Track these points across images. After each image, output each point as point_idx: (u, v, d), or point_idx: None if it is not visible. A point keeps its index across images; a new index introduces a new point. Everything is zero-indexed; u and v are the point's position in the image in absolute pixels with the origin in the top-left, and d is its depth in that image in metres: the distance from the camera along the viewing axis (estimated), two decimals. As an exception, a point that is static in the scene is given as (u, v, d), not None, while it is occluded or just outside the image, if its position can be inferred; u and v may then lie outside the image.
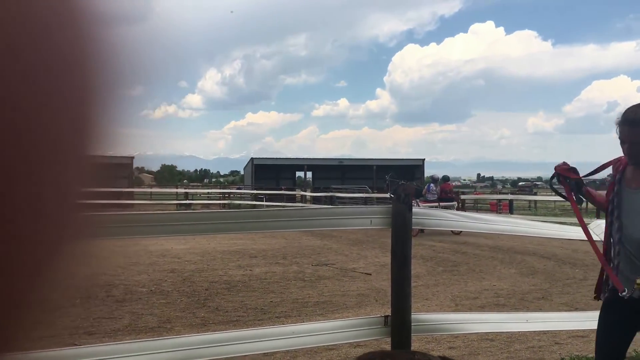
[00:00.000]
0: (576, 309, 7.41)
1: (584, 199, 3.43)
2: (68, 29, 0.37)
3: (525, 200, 34.23)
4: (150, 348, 3.35)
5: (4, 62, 0.33)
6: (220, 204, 36.47)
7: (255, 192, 36.66)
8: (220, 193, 43.88)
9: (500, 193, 45.80)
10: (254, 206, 29.69)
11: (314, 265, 11.64)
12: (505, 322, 3.83)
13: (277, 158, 58.10)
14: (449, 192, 19.39)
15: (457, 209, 18.19)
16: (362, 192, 34.86)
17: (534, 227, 4.96)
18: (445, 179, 19.84)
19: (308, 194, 35.78)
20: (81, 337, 6.20)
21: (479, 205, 33.21)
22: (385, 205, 4.13)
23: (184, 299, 8.29)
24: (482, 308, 7.68)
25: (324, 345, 5.07)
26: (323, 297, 8.47)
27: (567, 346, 5.90)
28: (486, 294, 8.73)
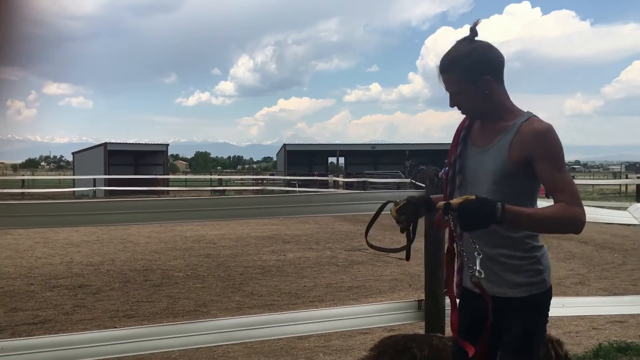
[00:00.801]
0: (614, 294, 7.27)
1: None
2: None
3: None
4: (187, 330, 3.42)
5: None
6: (253, 190, 36.79)
7: (288, 178, 36.81)
8: (253, 179, 44.20)
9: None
10: (287, 192, 29.84)
11: (347, 251, 11.67)
12: (541, 306, 3.80)
13: (309, 144, 58.15)
14: None
15: None
16: (395, 178, 34.67)
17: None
18: None
19: (341, 179, 35.77)
20: (121, 320, 6.36)
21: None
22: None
23: (219, 283, 8.42)
24: (517, 293, 7.59)
25: (357, 330, 5.10)
26: (356, 281, 8.50)
27: (605, 331, 5.80)
28: (522, 279, 8.61)
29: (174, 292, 7.80)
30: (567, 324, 6.00)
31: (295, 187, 33.37)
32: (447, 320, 3.83)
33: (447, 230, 2.65)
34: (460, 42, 2.37)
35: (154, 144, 43.80)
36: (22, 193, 30.88)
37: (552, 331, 5.77)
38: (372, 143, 58.68)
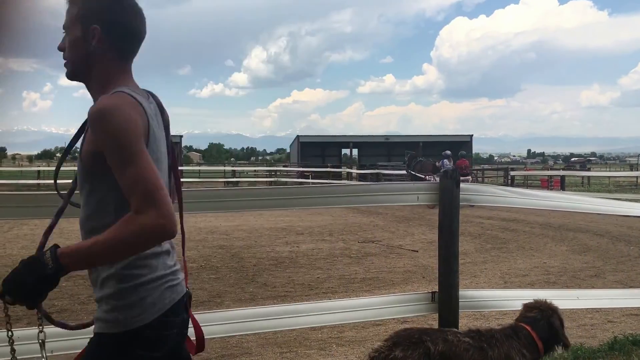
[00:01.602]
0: (630, 287, 7.20)
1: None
2: None
3: (577, 176, 33.22)
4: (201, 321, 3.41)
5: None
6: (266, 181, 36.85)
7: (301, 169, 36.81)
8: (266, 171, 44.27)
9: (552, 169, 44.58)
10: (300, 184, 29.84)
11: (360, 242, 11.66)
12: (555, 298, 3.73)
13: (322, 135, 57.90)
14: (464, 168, 21.45)
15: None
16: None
17: (585, 202, 4.82)
18: (462, 155, 23.36)
19: (354, 171, 35.71)
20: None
21: (529, 181, 32.47)
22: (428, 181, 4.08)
23: (232, 274, 8.46)
24: (531, 285, 7.56)
25: (371, 321, 5.10)
26: (370, 273, 8.50)
27: (621, 324, 5.75)
28: (536, 271, 8.57)
29: (188, 282, 7.84)
30: (582, 317, 5.96)
31: (309, 178, 33.38)
32: (461, 312, 3.83)
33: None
34: None
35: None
36: (38, 184, 31.20)
37: (567, 324, 5.75)
38: (386, 135, 58.40)
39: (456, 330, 3.31)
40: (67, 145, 2.05)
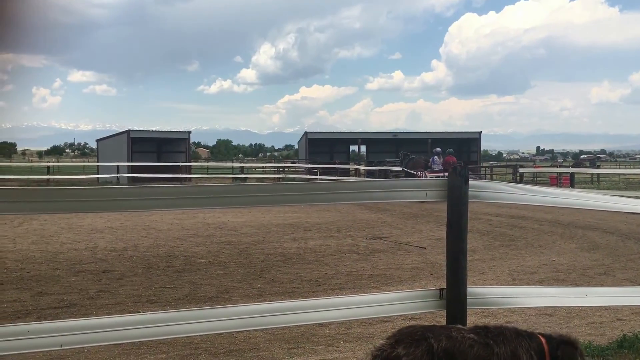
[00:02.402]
0: (640, 285, 7.16)
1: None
2: None
3: (587, 173, 33.04)
4: (209, 316, 3.46)
5: None
6: (274, 178, 36.87)
7: (309, 166, 36.80)
8: (274, 167, 44.30)
9: (561, 166, 44.33)
10: (308, 180, 29.83)
11: (368, 239, 11.66)
12: (564, 296, 3.72)
13: (331, 132, 57.88)
14: (452, 164, 22.55)
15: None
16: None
17: (595, 199, 4.78)
18: (449, 152, 24.91)
19: (362, 167, 35.64)
20: (144, 305, 6.45)
21: (538, 178, 32.32)
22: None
23: (240, 270, 8.48)
24: (540, 283, 7.53)
25: (378, 317, 5.10)
26: (377, 270, 8.49)
27: (630, 322, 5.72)
28: (545, 268, 8.54)
29: (196, 278, 7.88)
30: (591, 315, 5.94)
31: (317, 175, 33.36)
32: (469, 309, 3.82)
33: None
34: None
35: (176, 131, 44.09)
36: (48, 179, 31.40)
37: (575, 321, 5.72)
38: (394, 131, 58.28)
39: (461, 326, 3.28)
40: None
